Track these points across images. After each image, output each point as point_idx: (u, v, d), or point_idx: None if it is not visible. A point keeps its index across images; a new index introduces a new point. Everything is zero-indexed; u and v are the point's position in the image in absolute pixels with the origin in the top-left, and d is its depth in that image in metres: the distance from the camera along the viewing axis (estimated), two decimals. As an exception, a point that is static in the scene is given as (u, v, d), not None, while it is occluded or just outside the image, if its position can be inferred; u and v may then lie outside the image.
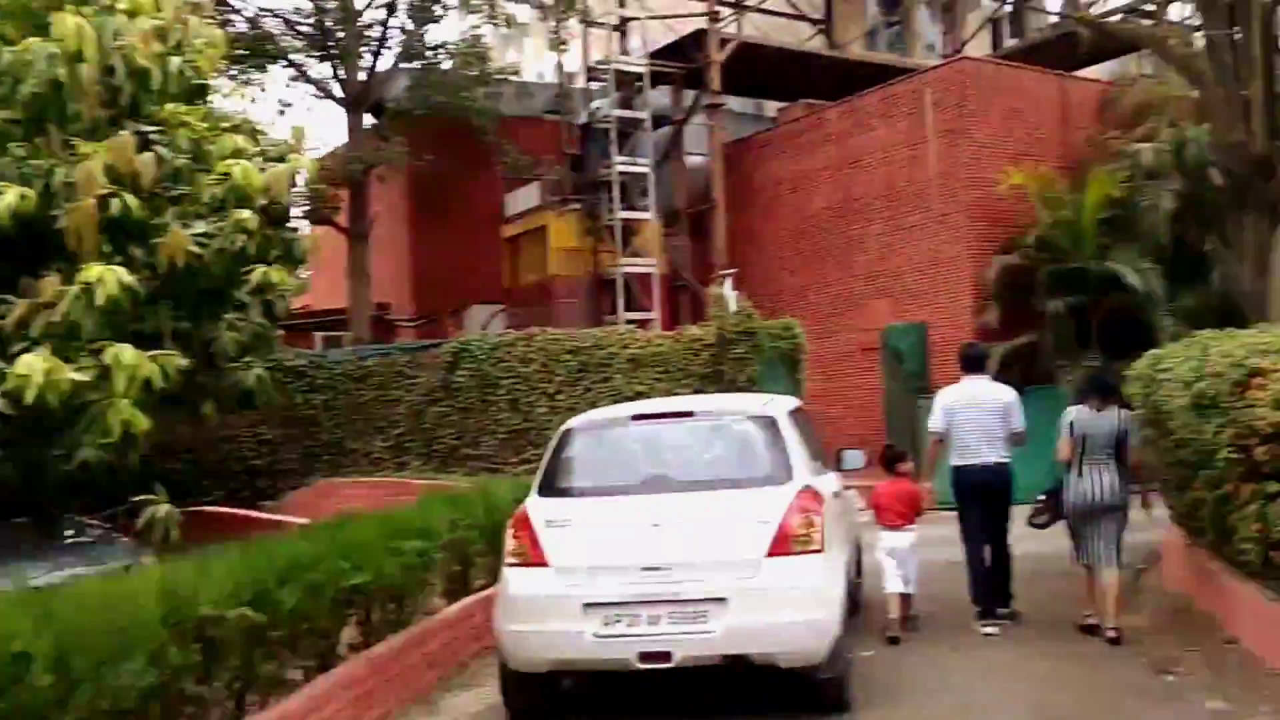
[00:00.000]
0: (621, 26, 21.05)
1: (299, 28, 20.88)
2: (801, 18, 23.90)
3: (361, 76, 20.95)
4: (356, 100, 21.06)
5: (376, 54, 21.27)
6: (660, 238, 19.95)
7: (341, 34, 20.76)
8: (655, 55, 20.46)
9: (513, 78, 23.49)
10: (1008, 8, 27.38)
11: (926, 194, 17.11)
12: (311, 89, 21.55)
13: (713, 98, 19.92)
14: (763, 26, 23.76)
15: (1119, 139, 17.14)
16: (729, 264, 17.79)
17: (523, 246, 20.67)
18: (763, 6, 24.06)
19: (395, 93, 21.71)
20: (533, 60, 29.59)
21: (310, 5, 20.49)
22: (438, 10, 21.63)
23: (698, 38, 20.18)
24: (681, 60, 20.49)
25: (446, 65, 22.07)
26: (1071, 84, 18.59)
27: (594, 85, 20.91)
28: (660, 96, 21.27)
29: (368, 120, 22.63)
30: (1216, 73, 9.79)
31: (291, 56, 20.97)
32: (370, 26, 21.16)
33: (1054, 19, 26.30)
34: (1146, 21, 18.09)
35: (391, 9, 20.97)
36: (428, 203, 23.02)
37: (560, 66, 21.49)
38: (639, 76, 20.02)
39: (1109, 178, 15.47)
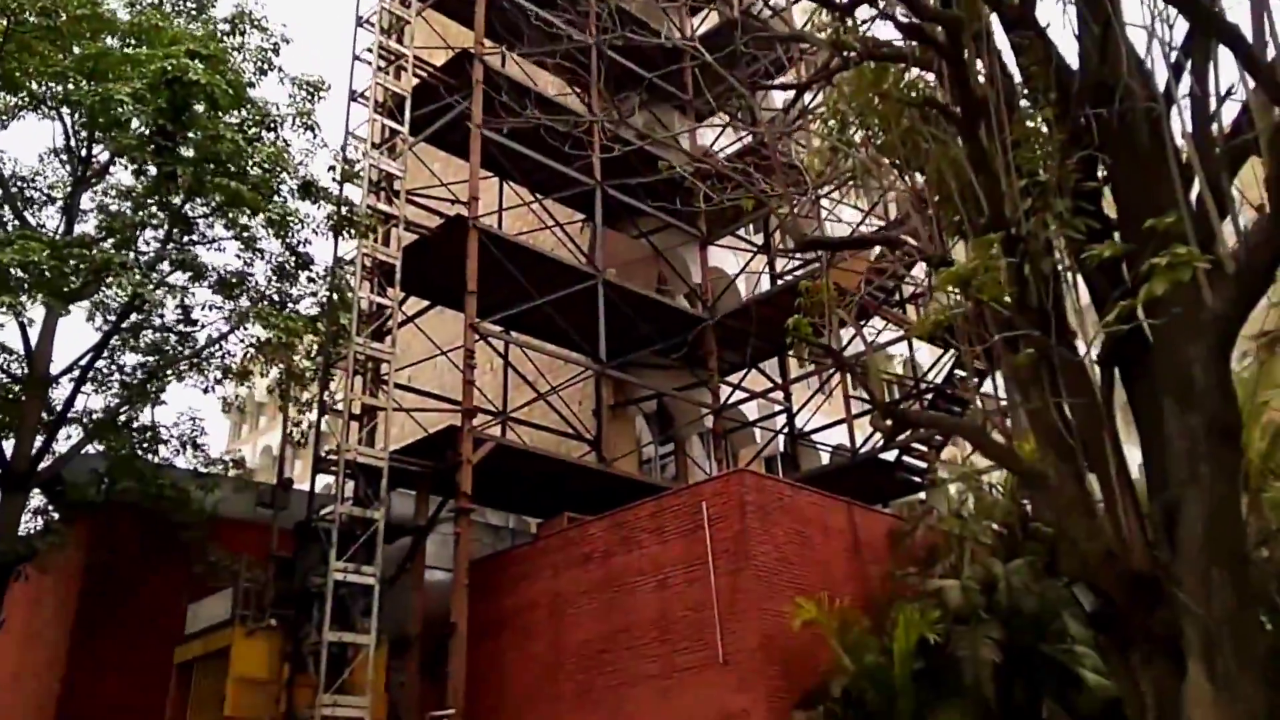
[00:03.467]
0: (364, 416, 18.29)
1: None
2: (575, 436, 22.00)
3: (37, 448, 17.13)
4: (22, 479, 16.98)
5: (57, 426, 17.59)
6: (381, 670, 15.83)
7: (20, 401, 17.19)
8: (400, 451, 17.61)
9: (232, 470, 20.18)
10: (780, 442, 26.60)
11: (707, 628, 14.15)
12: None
13: (463, 502, 16.96)
14: (527, 437, 21.68)
15: (916, 575, 15.16)
16: (455, 706, 13.84)
17: (197, 675, 15.93)
18: (529, 419, 22.21)
19: (79, 476, 17.85)
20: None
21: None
22: (151, 389, 18.55)
23: (449, 434, 17.58)
24: (430, 458, 17.69)
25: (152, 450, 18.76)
26: (860, 513, 16.79)
27: (322, 479, 17.66)
28: (402, 501, 18.14)
29: (38, 501, 18.56)
30: (1060, 464, 7.43)
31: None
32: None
33: (826, 452, 25.62)
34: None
35: (84, 378, 17.67)
36: (94, 614, 18.24)
37: (282, 455, 18.26)
38: (378, 472, 16.76)
39: (921, 620, 12.99)
